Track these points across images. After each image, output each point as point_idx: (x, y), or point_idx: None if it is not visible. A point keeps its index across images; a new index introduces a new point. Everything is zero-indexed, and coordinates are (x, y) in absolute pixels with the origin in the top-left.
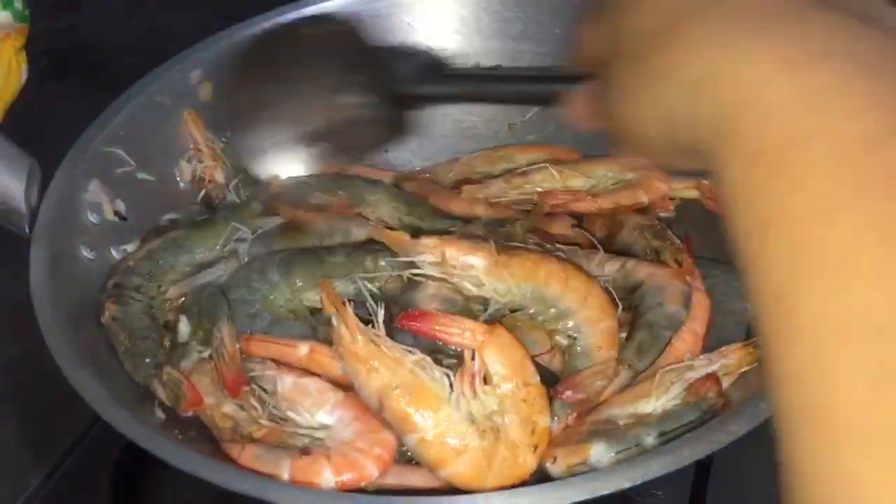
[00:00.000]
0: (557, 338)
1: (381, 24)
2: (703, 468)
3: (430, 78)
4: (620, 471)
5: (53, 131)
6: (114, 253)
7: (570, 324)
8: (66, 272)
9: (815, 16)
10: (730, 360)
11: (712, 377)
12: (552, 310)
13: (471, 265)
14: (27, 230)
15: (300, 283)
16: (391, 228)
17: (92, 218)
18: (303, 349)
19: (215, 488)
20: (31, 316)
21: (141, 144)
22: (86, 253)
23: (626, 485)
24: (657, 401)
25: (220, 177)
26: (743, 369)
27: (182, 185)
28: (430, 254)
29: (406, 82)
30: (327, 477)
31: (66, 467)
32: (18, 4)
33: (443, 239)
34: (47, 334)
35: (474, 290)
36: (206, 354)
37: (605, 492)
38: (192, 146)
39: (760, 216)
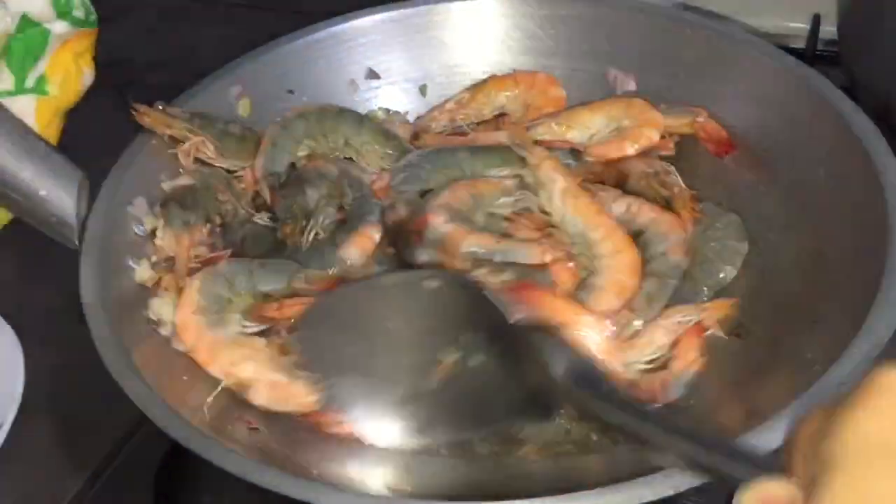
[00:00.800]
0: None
1: (414, 40)
2: None
3: (583, 387)
4: (657, 480)
5: (87, 146)
6: None
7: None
8: (114, 282)
9: None
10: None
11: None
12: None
13: (554, 181)
14: (77, 242)
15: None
16: None
17: (138, 231)
18: None
19: (257, 494)
20: (71, 325)
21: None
22: (132, 264)
23: (669, 492)
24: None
25: (210, 151)
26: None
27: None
28: (534, 157)
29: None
30: None
31: (106, 474)
32: (79, 12)
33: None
34: (98, 339)
35: (543, 206)
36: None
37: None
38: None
39: None
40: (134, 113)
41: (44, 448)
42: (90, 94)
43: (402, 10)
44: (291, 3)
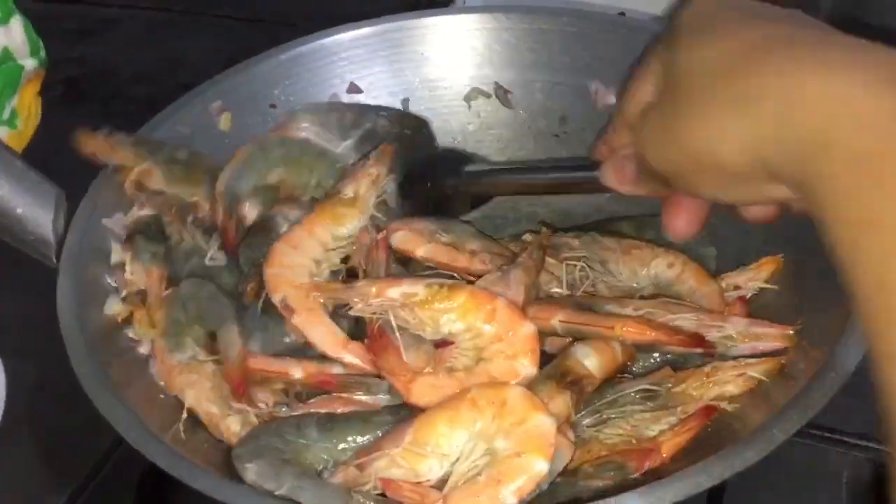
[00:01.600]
0: None
1: (396, 55)
2: (715, 497)
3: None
4: (637, 496)
5: (68, 159)
6: None
7: None
8: (91, 299)
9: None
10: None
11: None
12: None
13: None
14: (54, 260)
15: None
16: None
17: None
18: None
19: None
20: (50, 339)
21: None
22: (111, 282)
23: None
24: None
25: (156, 178)
26: None
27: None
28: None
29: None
30: None
31: (88, 491)
32: (42, 53)
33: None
34: (74, 359)
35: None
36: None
37: None
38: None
39: (861, 217)
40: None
41: (24, 464)
42: (71, 106)
43: (383, 25)
44: (279, 16)
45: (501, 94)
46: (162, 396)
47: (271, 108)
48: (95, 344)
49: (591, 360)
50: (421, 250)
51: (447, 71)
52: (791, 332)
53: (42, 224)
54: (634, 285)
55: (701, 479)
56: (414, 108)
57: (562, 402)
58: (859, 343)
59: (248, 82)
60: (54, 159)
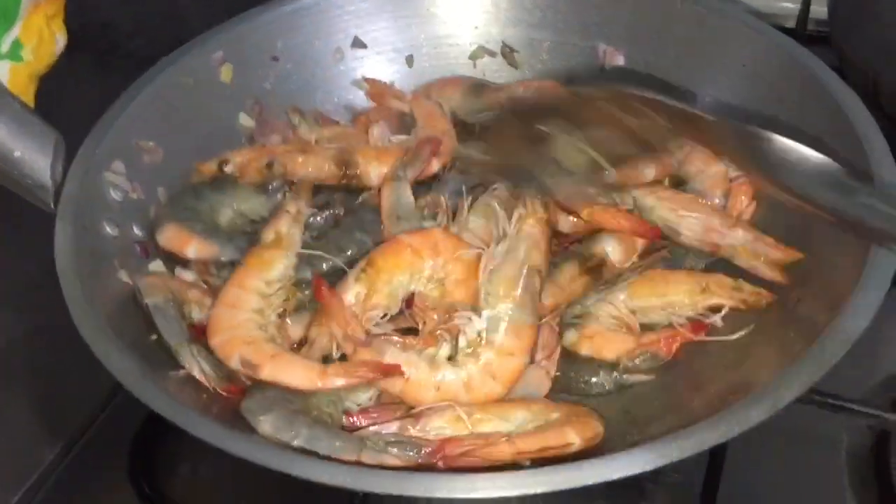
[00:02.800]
0: None
1: (402, 10)
2: (717, 456)
3: None
4: (642, 453)
5: (65, 110)
6: (136, 230)
7: None
8: (89, 247)
9: None
10: None
11: None
12: None
13: None
14: (52, 205)
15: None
16: None
17: (115, 195)
18: None
19: (232, 463)
20: (44, 291)
21: (163, 124)
22: (109, 230)
23: (648, 467)
24: None
25: None
26: None
27: None
28: None
29: None
30: None
31: (82, 442)
32: None
33: None
34: (72, 306)
35: None
36: None
37: (628, 473)
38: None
39: None
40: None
41: (18, 416)
42: (69, 59)
43: None
44: None
45: (508, 53)
46: (153, 338)
47: (273, 61)
48: (93, 291)
49: (614, 251)
50: None
51: (453, 28)
52: (799, 254)
53: (40, 168)
54: None
55: (707, 436)
56: (418, 65)
57: (580, 284)
58: (865, 308)
59: (250, 33)
60: (52, 109)
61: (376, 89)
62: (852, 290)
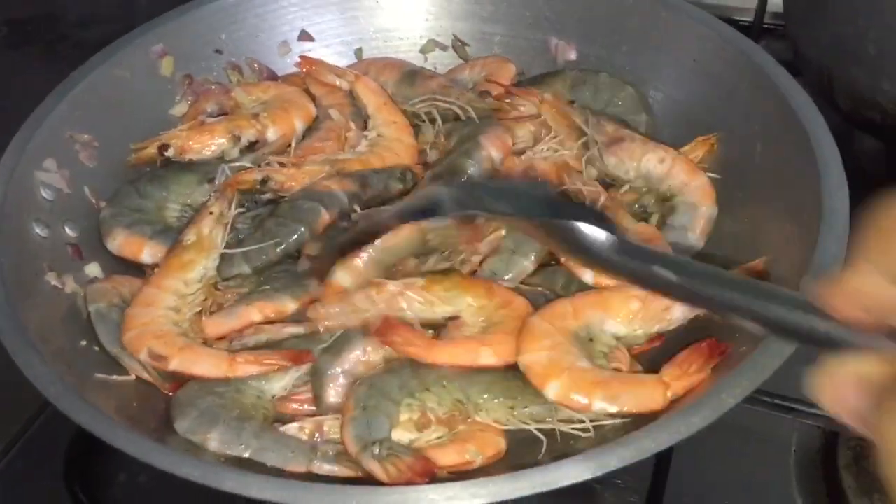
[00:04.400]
0: None
1: (350, 1)
2: (663, 459)
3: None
4: (582, 461)
5: (12, 103)
6: (69, 230)
7: None
8: (15, 250)
9: None
10: None
11: None
12: None
13: None
14: None
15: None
16: None
17: (45, 194)
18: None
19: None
20: None
21: (99, 119)
22: (38, 230)
23: (587, 476)
24: None
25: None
26: None
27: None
28: None
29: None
30: None
31: (16, 450)
32: None
33: None
34: None
35: None
36: None
37: (567, 483)
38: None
39: None
40: None
41: None
42: (15, 50)
43: None
44: None
45: (459, 46)
46: (84, 343)
47: (216, 54)
48: (18, 295)
49: None
50: None
51: (403, 20)
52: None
53: None
54: (621, 175)
55: (646, 444)
56: (367, 57)
57: None
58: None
59: (192, 25)
60: None
61: (314, 67)
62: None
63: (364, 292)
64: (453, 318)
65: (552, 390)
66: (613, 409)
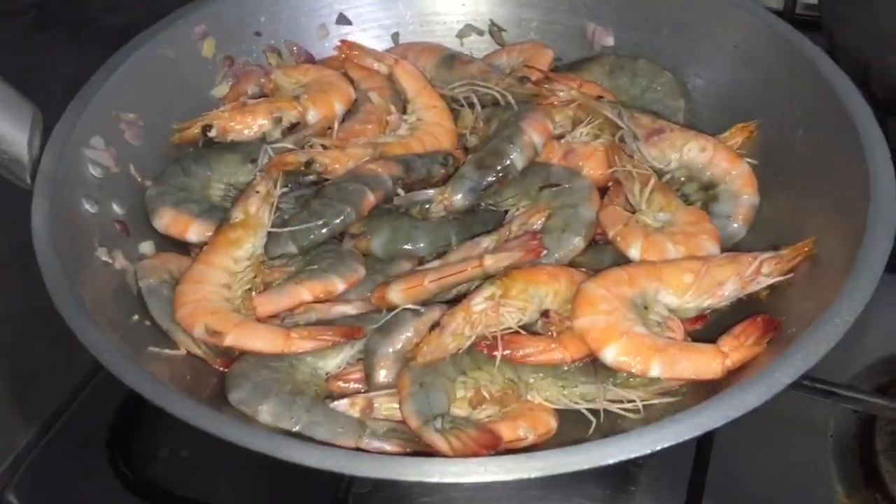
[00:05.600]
0: None
1: None
2: (704, 442)
3: None
4: (636, 437)
5: (40, 85)
6: (116, 207)
7: None
8: (68, 225)
9: None
10: None
11: None
12: None
13: None
14: (28, 181)
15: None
16: None
17: (94, 172)
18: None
19: (212, 446)
20: (19, 270)
21: (143, 99)
22: (88, 206)
23: (643, 452)
24: None
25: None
26: None
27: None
28: None
29: None
30: None
31: (59, 425)
32: None
33: None
34: (50, 285)
35: None
36: None
37: (623, 458)
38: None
39: None
40: None
41: None
42: (41, 34)
43: None
44: None
45: (495, 31)
46: (136, 318)
47: (256, 36)
48: (71, 270)
49: None
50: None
51: (441, 5)
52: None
53: (17, 142)
54: (662, 166)
55: (701, 420)
56: (404, 42)
57: None
58: (859, 295)
59: (233, 7)
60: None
61: (353, 52)
62: (843, 278)
63: (453, 325)
64: (545, 315)
65: (610, 353)
66: (671, 375)
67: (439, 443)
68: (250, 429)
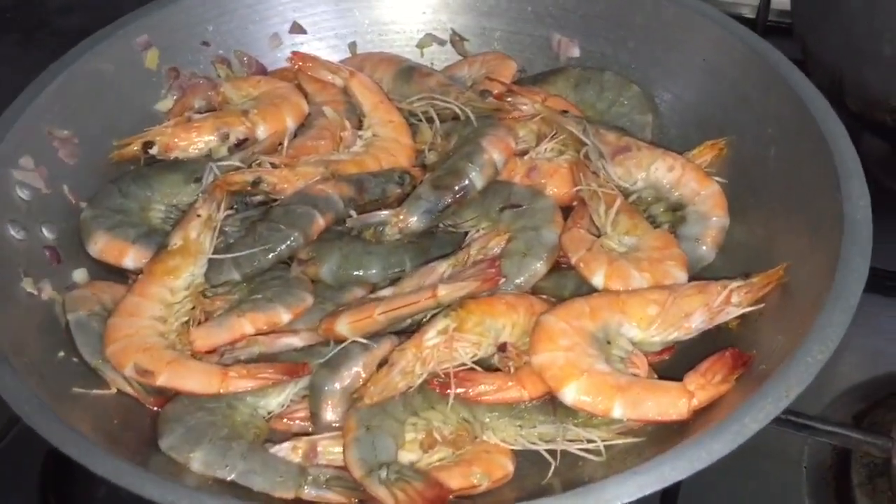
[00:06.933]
0: None
1: None
2: (669, 493)
3: None
4: (597, 491)
5: None
6: (46, 232)
7: None
8: None
9: None
10: None
11: None
12: None
13: None
14: None
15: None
16: None
17: (22, 194)
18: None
19: None
20: None
21: (79, 115)
22: (13, 232)
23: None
24: None
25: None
26: None
27: None
28: None
29: None
30: None
31: None
32: None
33: None
34: None
35: None
36: None
37: None
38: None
39: None
40: None
41: None
42: None
43: None
44: None
45: (457, 41)
46: (61, 355)
47: (203, 46)
48: None
49: None
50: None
51: (400, 13)
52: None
53: None
54: (628, 185)
55: (665, 471)
56: (361, 52)
57: None
58: (835, 329)
59: (178, 15)
60: None
61: (307, 63)
62: (817, 311)
63: (403, 363)
64: (502, 349)
65: (570, 393)
66: (634, 416)
67: (383, 496)
68: (174, 487)
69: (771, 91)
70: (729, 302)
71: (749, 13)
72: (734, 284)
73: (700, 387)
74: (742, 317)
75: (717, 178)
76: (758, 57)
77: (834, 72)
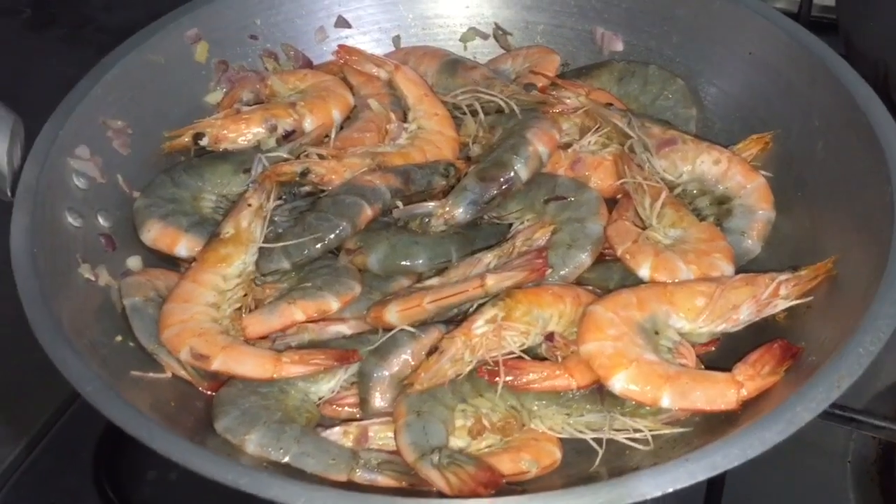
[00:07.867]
0: None
1: None
2: (715, 484)
3: None
4: (648, 477)
5: (33, 87)
6: (101, 220)
7: None
8: (49, 240)
9: None
10: None
11: None
12: None
13: None
14: (9, 193)
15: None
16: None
17: (79, 183)
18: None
19: None
20: (8, 283)
21: (132, 106)
22: (71, 220)
23: (654, 493)
24: None
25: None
26: None
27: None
28: None
29: None
30: None
31: (45, 443)
32: None
33: None
34: (27, 306)
35: None
36: None
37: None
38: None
39: None
40: None
41: None
42: (38, 35)
43: None
44: None
45: (500, 35)
46: (119, 339)
47: (252, 40)
48: (51, 288)
49: None
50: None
51: (443, 8)
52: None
53: None
54: (673, 178)
55: (716, 460)
56: (405, 45)
57: None
58: (886, 320)
59: (227, 9)
60: (17, 86)
61: (352, 57)
62: (867, 303)
63: (452, 350)
64: (549, 338)
65: (618, 382)
66: (683, 406)
67: (436, 479)
68: (233, 465)
69: (817, 84)
70: (777, 294)
71: (791, 7)
72: (782, 277)
73: (749, 377)
74: (789, 309)
75: (763, 172)
76: (804, 50)
77: (878, 65)
